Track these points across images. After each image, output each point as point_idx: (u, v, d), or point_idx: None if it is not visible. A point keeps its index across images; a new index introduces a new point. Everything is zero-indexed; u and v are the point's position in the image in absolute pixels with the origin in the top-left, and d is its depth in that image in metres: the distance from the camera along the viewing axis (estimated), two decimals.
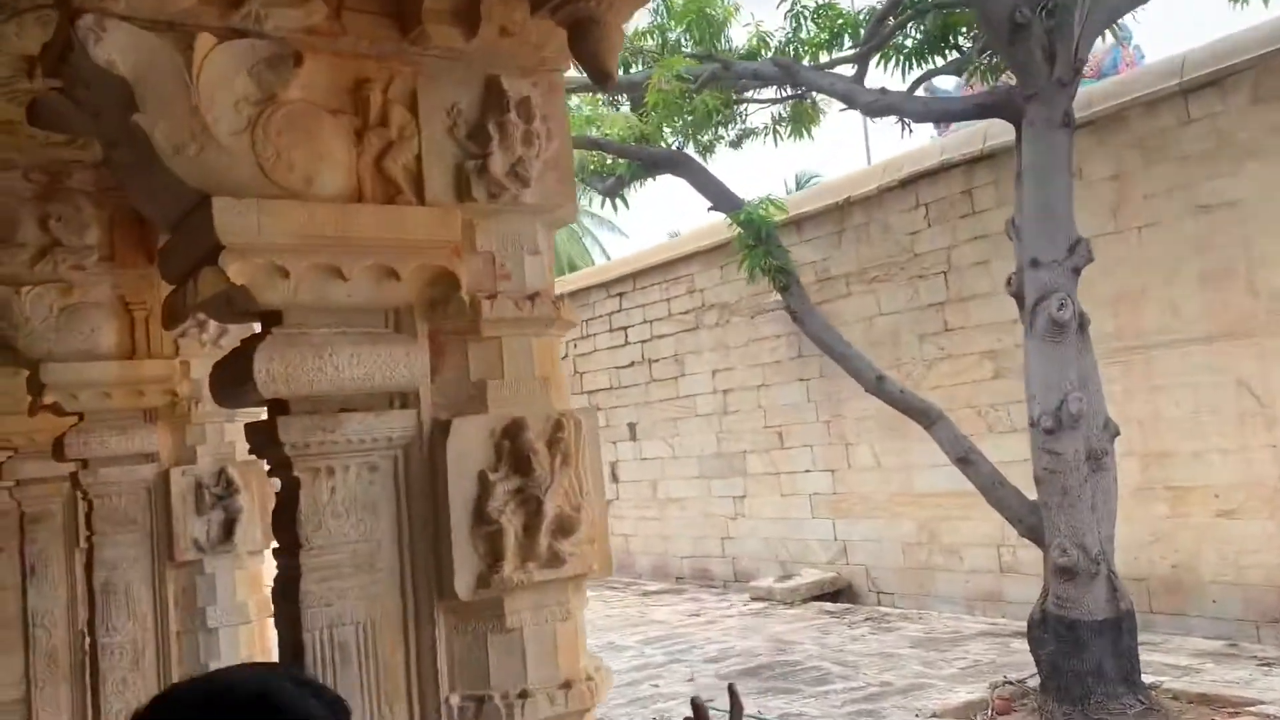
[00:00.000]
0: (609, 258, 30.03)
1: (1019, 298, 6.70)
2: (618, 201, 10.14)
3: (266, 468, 4.38)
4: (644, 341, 15.66)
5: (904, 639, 9.47)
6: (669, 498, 15.21)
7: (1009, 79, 8.07)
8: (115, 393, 3.76)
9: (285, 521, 1.97)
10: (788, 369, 13.16)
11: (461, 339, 2.11)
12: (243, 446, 4.00)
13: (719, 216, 10.77)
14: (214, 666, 3.78)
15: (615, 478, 16.12)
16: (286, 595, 1.96)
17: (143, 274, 3.85)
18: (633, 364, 15.84)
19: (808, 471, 12.96)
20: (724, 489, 14.24)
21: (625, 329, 16.01)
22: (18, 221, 3.64)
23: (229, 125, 1.85)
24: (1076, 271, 6.30)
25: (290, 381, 1.91)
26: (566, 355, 17.17)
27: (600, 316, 16.49)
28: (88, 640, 5.60)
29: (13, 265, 3.62)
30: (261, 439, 2.03)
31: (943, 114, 7.92)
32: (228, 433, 3.95)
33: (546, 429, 2.08)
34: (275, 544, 2.04)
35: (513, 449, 2.05)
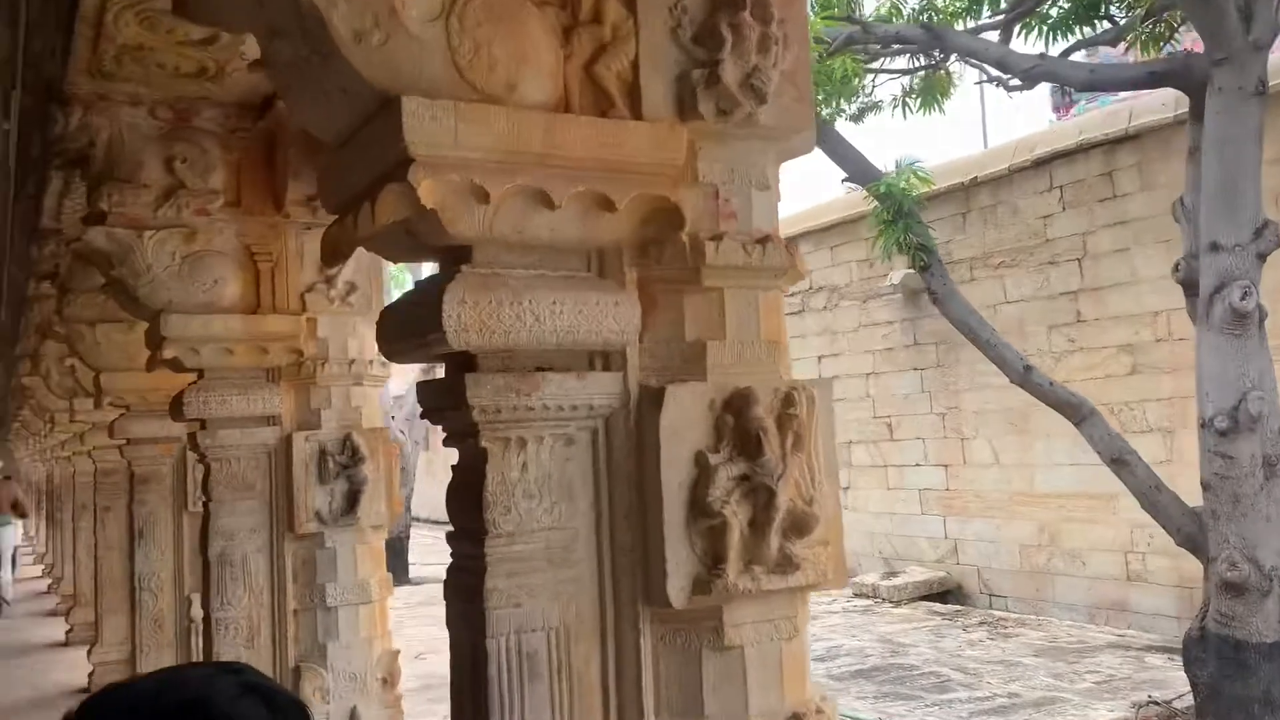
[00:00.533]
0: None
1: (1188, 285, 6.10)
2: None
3: (400, 435, 3.99)
4: None
5: (1025, 646, 8.92)
6: None
7: (1175, 47, 7.41)
8: (238, 349, 3.49)
9: (466, 502, 1.62)
10: (901, 357, 12.59)
11: (677, 290, 1.73)
12: (369, 412, 3.71)
13: (831, 194, 10.28)
14: (332, 648, 3.50)
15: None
16: (465, 592, 1.61)
17: (270, 222, 3.58)
18: None
19: (918, 465, 12.40)
20: None
21: None
22: (142, 161, 3.38)
23: (421, 10, 1.50)
24: (1262, 257, 5.69)
25: (485, 331, 1.55)
26: None
27: None
28: (191, 606, 5.43)
29: (136, 207, 3.36)
30: (441, 400, 1.69)
31: (1111, 82, 7.27)
32: (354, 397, 3.66)
33: (776, 403, 1.70)
34: (451, 528, 1.70)
35: (737, 426, 1.67)
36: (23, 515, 14.16)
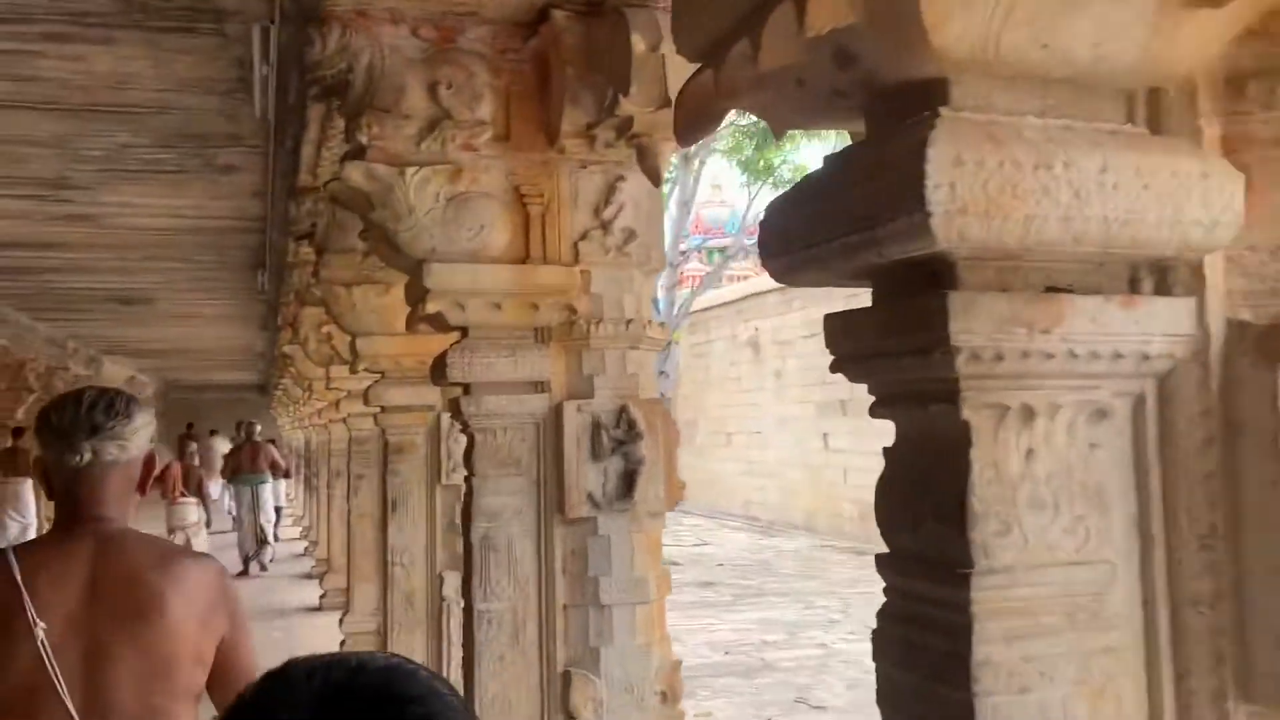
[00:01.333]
0: None
1: None
2: None
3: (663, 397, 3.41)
4: None
5: None
6: None
7: None
8: (506, 305, 3.04)
9: (925, 510, 1.00)
10: None
11: None
12: (645, 381, 3.17)
13: None
14: (605, 653, 2.99)
15: None
16: (923, 658, 0.98)
17: (542, 159, 3.10)
18: None
19: None
20: None
21: None
22: (404, 88, 2.96)
23: None
24: None
25: (995, 216, 0.92)
26: None
27: None
28: (444, 585, 5.14)
29: (397, 141, 2.95)
30: (888, 340, 1.07)
31: None
32: (630, 362, 3.14)
33: None
34: (886, 548, 1.08)
35: None
36: (285, 475, 14.82)
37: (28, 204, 6.76)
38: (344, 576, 8.89)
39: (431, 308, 2.97)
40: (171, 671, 1.84)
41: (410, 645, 5.04)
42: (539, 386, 3.10)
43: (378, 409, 5.26)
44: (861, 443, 17.22)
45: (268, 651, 5.01)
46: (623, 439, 3.05)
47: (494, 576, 3.02)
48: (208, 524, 12.38)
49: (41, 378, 14.72)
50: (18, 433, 12.88)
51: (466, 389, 3.08)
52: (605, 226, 3.11)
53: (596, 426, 3.05)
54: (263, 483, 13.49)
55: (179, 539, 11.80)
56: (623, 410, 3.06)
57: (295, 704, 0.79)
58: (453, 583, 5.08)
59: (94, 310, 12.89)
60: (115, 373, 21.18)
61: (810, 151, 18.96)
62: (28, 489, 12.10)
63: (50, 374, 15.36)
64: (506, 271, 2.99)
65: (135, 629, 1.82)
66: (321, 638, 7.97)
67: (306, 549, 13.71)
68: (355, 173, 2.91)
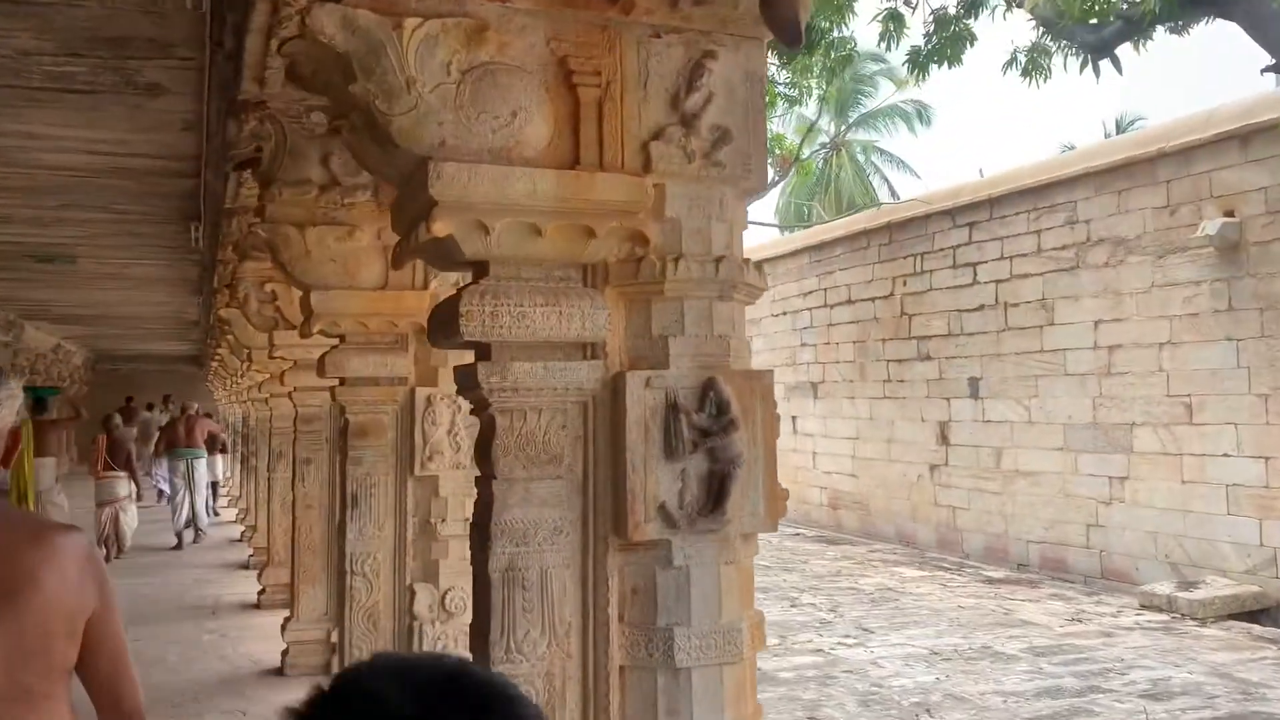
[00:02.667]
0: (897, 199, 27.08)
1: None
2: (1101, 64, 7.46)
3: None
4: (999, 281, 13.20)
5: None
6: (1018, 470, 12.81)
7: None
8: (549, 230, 2.10)
9: None
10: (1209, 324, 10.43)
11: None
12: (739, 346, 2.25)
13: (1124, 130, 8.20)
14: None
15: (945, 440, 13.88)
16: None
17: (599, 21, 2.15)
18: (982, 308, 13.43)
19: (1227, 456, 10.26)
20: (1096, 466, 11.72)
21: (975, 265, 13.59)
22: None
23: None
24: None
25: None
26: (892, 294, 15.01)
27: (941, 250, 14.16)
28: (415, 600, 4.18)
29: None
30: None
31: None
32: (718, 318, 2.20)
33: None
34: None
35: None
36: (223, 450, 14.19)
37: None
38: (286, 572, 7.85)
39: (439, 228, 2.01)
40: (45, 648, 1.80)
41: None
42: (589, 350, 2.16)
43: (335, 381, 4.26)
44: (831, 427, 16.45)
45: (204, 658, 3.93)
46: (709, 428, 2.12)
47: (520, 625, 2.08)
48: (137, 498, 11.95)
49: None
50: None
51: (485, 351, 2.12)
52: (687, 122, 2.16)
53: (673, 409, 2.12)
54: (198, 457, 13.18)
55: (108, 513, 11.23)
56: (709, 387, 2.13)
57: (399, 699, 0.77)
58: (425, 599, 4.12)
59: (9, 269, 11.56)
60: (38, 339, 19.73)
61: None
62: None
63: None
64: (550, 181, 2.04)
65: (8, 606, 1.76)
66: (262, 644, 6.94)
67: (243, 534, 12.58)
68: (328, 21, 1.92)
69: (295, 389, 6.27)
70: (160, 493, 15.05)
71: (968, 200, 13.74)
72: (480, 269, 2.13)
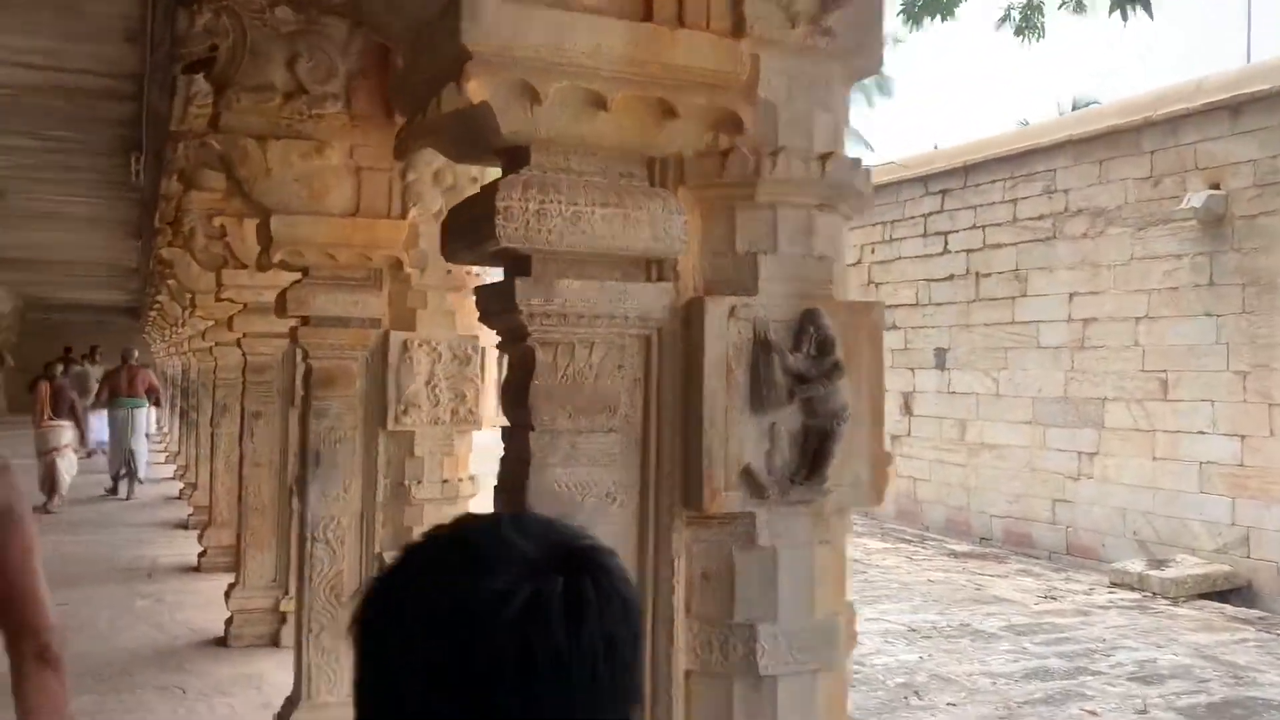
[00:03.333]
0: None
1: None
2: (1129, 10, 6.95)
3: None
4: (970, 251, 12.90)
5: None
6: (983, 443, 12.58)
7: None
8: (612, 91, 1.60)
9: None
10: (1189, 299, 10.21)
11: None
12: (839, 271, 1.79)
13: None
14: None
15: (909, 411, 13.61)
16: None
17: None
18: (952, 277, 13.13)
19: (1201, 433, 10.07)
20: (1065, 441, 11.51)
21: (946, 234, 13.27)
22: None
23: None
24: None
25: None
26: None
27: (911, 218, 13.82)
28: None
29: None
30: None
31: None
32: (819, 232, 1.74)
33: None
34: None
35: None
36: (157, 403, 13.85)
37: None
38: (229, 533, 7.30)
39: (474, 90, 1.50)
40: None
41: (339, 660, 3.57)
42: (655, 270, 1.68)
43: (294, 322, 3.73)
44: None
45: (136, 626, 3.34)
46: (807, 372, 1.66)
47: None
48: (81, 443, 11.96)
49: None
50: None
51: (523, 264, 1.64)
52: None
53: (763, 347, 1.66)
54: (139, 407, 12.86)
55: (46, 461, 11.02)
56: (809, 320, 1.67)
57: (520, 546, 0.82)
58: None
59: None
60: None
61: None
62: None
63: None
64: (618, 34, 1.55)
65: None
66: (201, 613, 6.39)
67: (181, 492, 11.92)
68: None
69: (245, 335, 5.70)
70: (98, 443, 14.51)
71: (942, 167, 13.40)
72: (517, 157, 1.64)
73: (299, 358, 3.94)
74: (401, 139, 1.78)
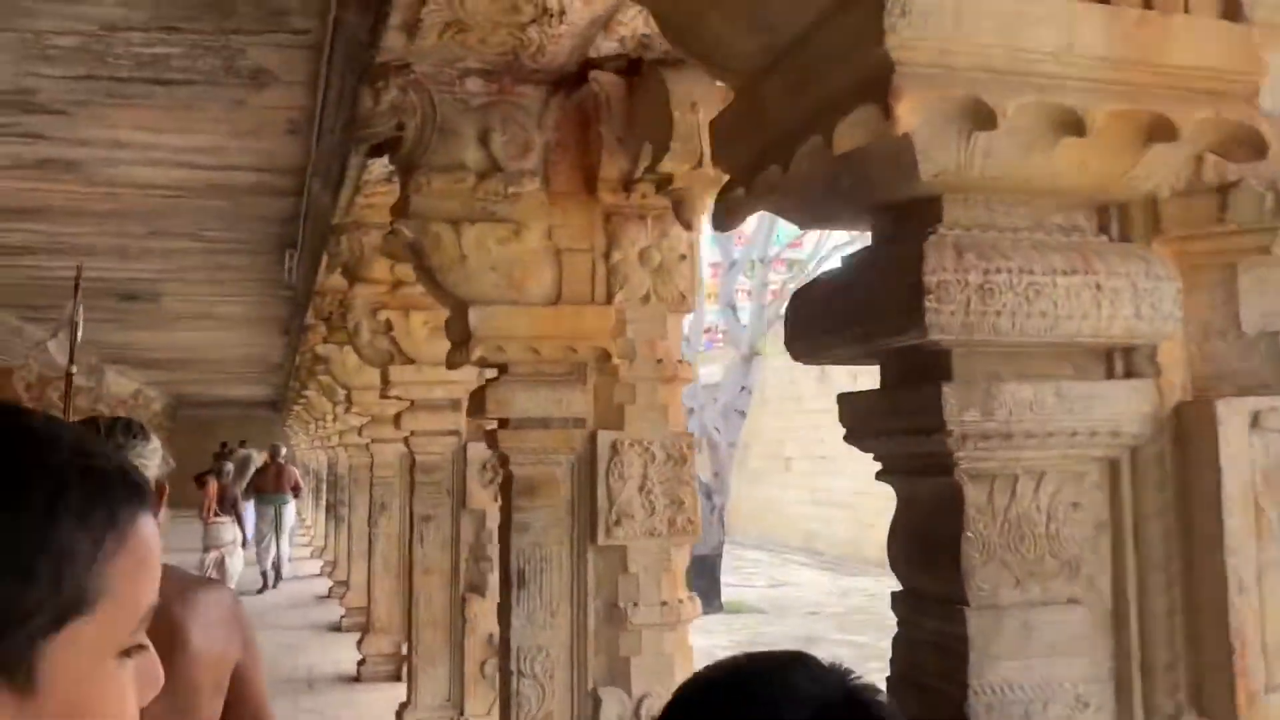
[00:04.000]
0: None
1: None
2: None
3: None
4: None
5: None
6: None
7: None
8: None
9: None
10: None
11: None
12: None
13: None
14: None
15: None
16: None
17: None
18: None
19: None
20: None
21: None
22: None
23: None
24: None
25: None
26: None
27: None
28: (600, 708, 3.20)
29: None
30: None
31: None
32: None
33: None
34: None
35: None
36: (297, 495, 14.60)
37: None
38: (389, 641, 6.96)
39: (906, 113, 1.03)
40: (195, 703, 1.86)
41: None
42: (1119, 362, 1.17)
43: (492, 423, 3.33)
44: None
45: None
46: None
47: None
48: (244, 543, 12.17)
49: (33, 388, 12.86)
50: None
51: (938, 361, 1.15)
52: None
53: None
54: (285, 503, 13.44)
55: (213, 557, 11.23)
56: None
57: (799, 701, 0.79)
58: (614, 708, 3.15)
59: (92, 308, 10.91)
60: (119, 385, 19.33)
61: None
62: None
63: (43, 384, 13.49)
64: (1096, 25, 1.07)
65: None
66: None
67: (331, 590, 11.75)
68: None
69: (413, 433, 5.38)
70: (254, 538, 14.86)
71: None
72: (917, 214, 1.16)
73: (499, 463, 3.53)
74: (730, 203, 1.33)
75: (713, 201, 1.38)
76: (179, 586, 1.91)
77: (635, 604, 3.19)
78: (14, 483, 0.67)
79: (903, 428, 1.19)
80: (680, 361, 3.33)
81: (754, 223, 13.58)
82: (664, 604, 3.21)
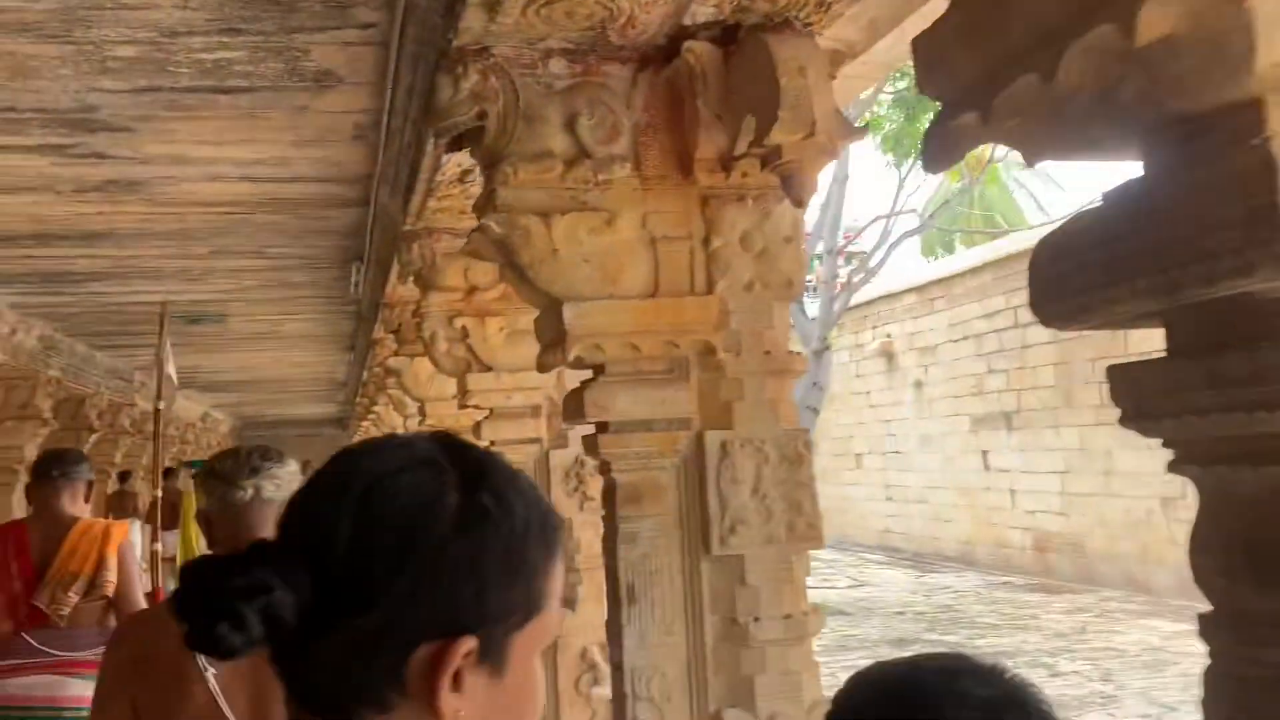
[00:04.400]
0: (1049, 217, 25.06)
1: None
2: None
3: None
4: None
5: None
6: None
7: None
8: None
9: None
10: None
11: None
12: None
13: None
14: None
15: None
16: None
17: None
18: None
19: None
20: None
21: None
22: None
23: None
24: None
25: None
26: None
27: None
28: None
29: None
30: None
31: None
32: None
33: None
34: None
35: None
36: None
37: (43, 161, 4.78)
38: None
39: None
40: None
41: None
42: None
43: (590, 426, 3.11)
44: (1032, 460, 14.74)
45: None
46: None
47: None
48: None
49: (104, 415, 12.95)
50: (124, 477, 13.16)
51: None
52: None
53: None
54: None
55: None
56: None
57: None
58: None
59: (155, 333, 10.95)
60: (187, 409, 19.54)
61: None
62: (136, 530, 10.91)
63: (115, 411, 13.60)
64: None
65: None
66: None
67: None
68: None
69: (493, 442, 5.18)
70: None
71: None
72: (1231, 128, 0.91)
73: (604, 468, 3.30)
74: (952, 134, 1.10)
75: (921, 139, 1.14)
76: None
77: (756, 618, 2.95)
78: (519, 515, 0.89)
79: (1219, 403, 0.94)
80: (790, 352, 3.08)
81: (816, 213, 13.26)
82: (788, 617, 2.96)
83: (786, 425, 3.07)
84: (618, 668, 2.99)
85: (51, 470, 4.31)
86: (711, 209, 3.03)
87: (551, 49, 2.92)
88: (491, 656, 0.85)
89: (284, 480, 2.25)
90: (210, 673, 2.01)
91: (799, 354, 3.09)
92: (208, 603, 0.80)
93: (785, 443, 3.03)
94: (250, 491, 2.23)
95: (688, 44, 2.81)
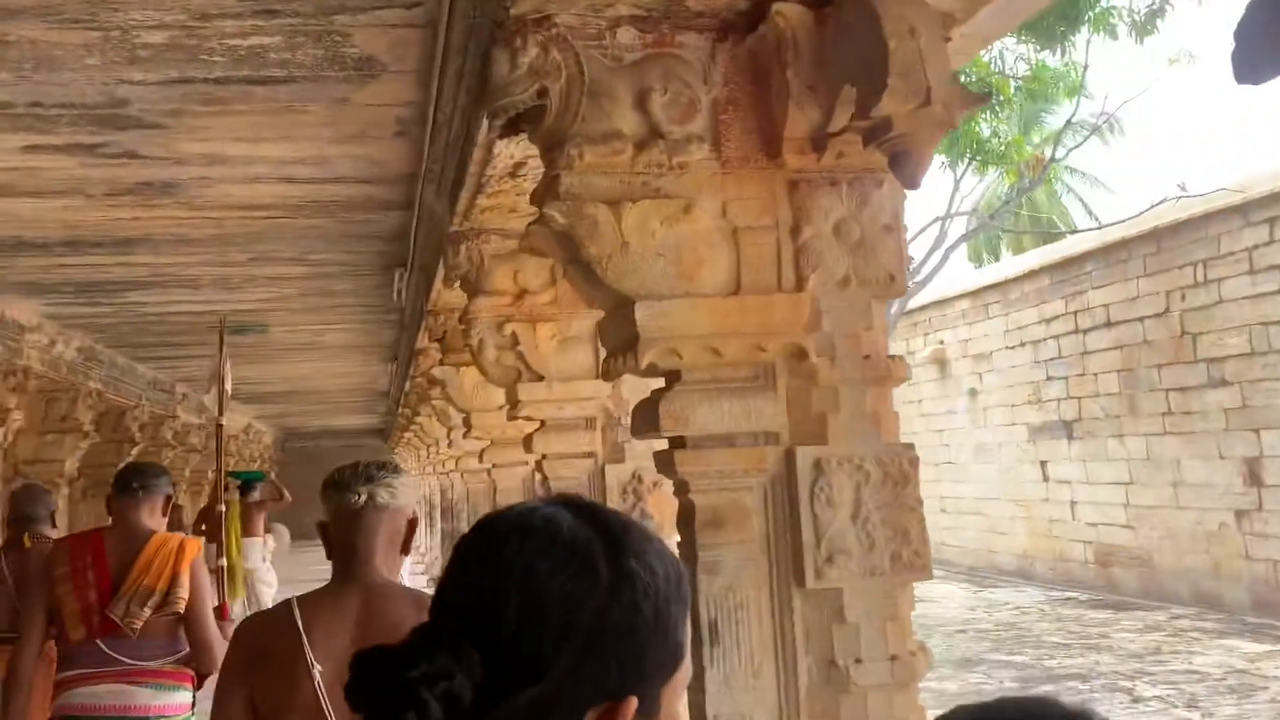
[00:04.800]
0: (1098, 222, 24.23)
1: None
2: None
3: None
4: None
5: None
6: None
7: None
8: None
9: None
10: None
11: None
12: None
13: None
14: None
15: (1256, 480, 11.51)
16: None
17: None
18: None
19: None
20: None
21: None
22: None
23: None
24: None
25: None
26: (1167, 310, 12.78)
27: (1231, 255, 11.92)
28: None
29: None
30: None
31: None
32: None
33: None
34: None
35: None
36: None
37: (72, 162, 4.53)
38: None
39: None
40: None
41: None
42: None
43: (673, 438, 2.76)
44: (1094, 471, 14.18)
45: None
46: None
47: None
48: None
49: (146, 428, 12.81)
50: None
51: None
52: None
53: None
54: None
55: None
56: None
57: None
58: None
59: (199, 344, 10.73)
60: (231, 421, 19.44)
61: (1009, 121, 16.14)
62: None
63: (156, 424, 13.46)
64: None
65: None
66: None
67: None
68: None
69: (545, 456, 4.86)
70: None
71: (1265, 191, 11.51)
72: None
73: (683, 488, 2.95)
74: None
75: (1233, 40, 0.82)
76: (417, 606, 2.22)
77: (857, 660, 2.58)
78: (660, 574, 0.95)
79: None
80: (892, 357, 2.72)
81: None
82: (893, 658, 2.59)
83: (889, 440, 2.71)
84: (700, 715, 2.63)
85: (132, 483, 4.29)
86: (801, 194, 2.68)
87: (620, 17, 2.59)
88: (647, 710, 0.90)
89: (399, 489, 2.37)
90: (317, 669, 2.16)
91: (901, 359, 2.73)
92: (390, 695, 0.84)
93: (888, 460, 2.66)
94: (364, 497, 2.36)
95: (776, 6, 2.47)
